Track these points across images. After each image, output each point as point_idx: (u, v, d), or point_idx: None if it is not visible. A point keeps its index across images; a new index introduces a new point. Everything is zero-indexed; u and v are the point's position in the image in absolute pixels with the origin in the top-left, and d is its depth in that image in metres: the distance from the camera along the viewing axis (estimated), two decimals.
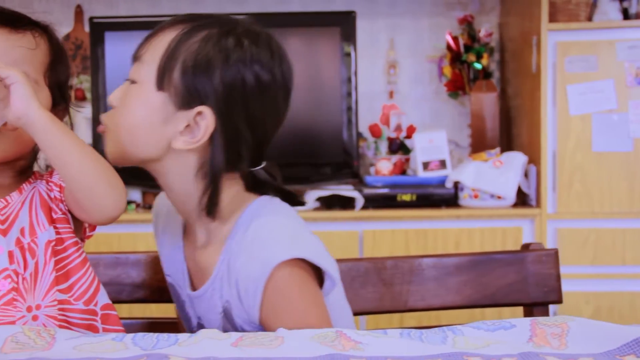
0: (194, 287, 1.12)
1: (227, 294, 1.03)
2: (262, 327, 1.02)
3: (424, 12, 3.05)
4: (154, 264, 1.43)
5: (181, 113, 1.02)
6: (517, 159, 2.57)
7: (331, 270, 1.02)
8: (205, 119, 1.01)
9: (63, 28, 3.02)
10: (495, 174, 2.56)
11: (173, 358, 0.80)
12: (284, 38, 2.76)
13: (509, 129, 2.94)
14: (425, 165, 2.68)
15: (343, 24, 2.71)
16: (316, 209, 2.62)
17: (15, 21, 1.07)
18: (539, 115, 2.51)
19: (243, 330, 1.02)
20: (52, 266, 1.05)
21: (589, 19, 2.53)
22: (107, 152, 1.07)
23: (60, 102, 1.12)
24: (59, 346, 0.88)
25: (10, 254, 1.03)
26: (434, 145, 2.69)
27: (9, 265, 1.02)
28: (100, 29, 2.73)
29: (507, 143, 2.90)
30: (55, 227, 1.07)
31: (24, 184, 1.09)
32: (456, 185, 2.62)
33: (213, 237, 1.08)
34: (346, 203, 2.62)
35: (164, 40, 1.03)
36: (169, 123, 1.02)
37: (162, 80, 1.02)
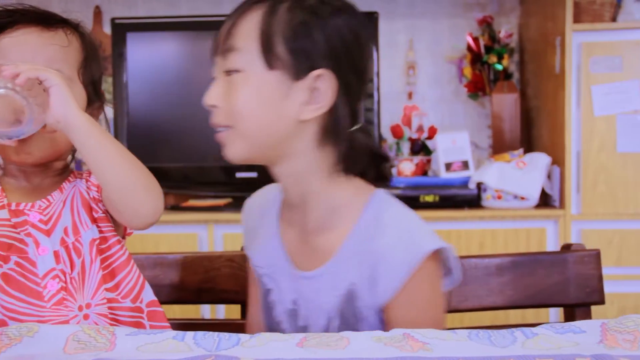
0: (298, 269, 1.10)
1: (353, 276, 1.02)
2: (383, 313, 1.01)
3: (442, 13, 3.05)
4: (193, 265, 1.42)
5: (298, 84, 1.00)
6: (541, 160, 2.56)
7: (458, 268, 1.06)
8: (326, 80, 1.00)
9: None
10: (519, 175, 2.55)
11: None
12: None
13: (529, 130, 2.93)
14: (448, 166, 2.67)
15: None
16: None
17: (47, 19, 1.07)
18: (563, 116, 2.50)
19: (361, 315, 1.02)
20: (99, 264, 1.05)
21: (613, 19, 2.53)
22: (232, 154, 1.04)
23: (94, 100, 1.11)
24: (121, 345, 0.87)
25: (56, 254, 1.03)
26: (457, 146, 2.69)
27: (56, 265, 1.02)
28: (122, 30, 2.73)
29: (527, 144, 2.90)
30: (97, 226, 1.07)
31: (64, 183, 1.09)
32: (479, 186, 2.61)
33: (336, 219, 1.06)
34: None
35: (251, 23, 1.01)
36: (289, 98, 1.00)
37: (269, 59, 0.99)
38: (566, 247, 1.39)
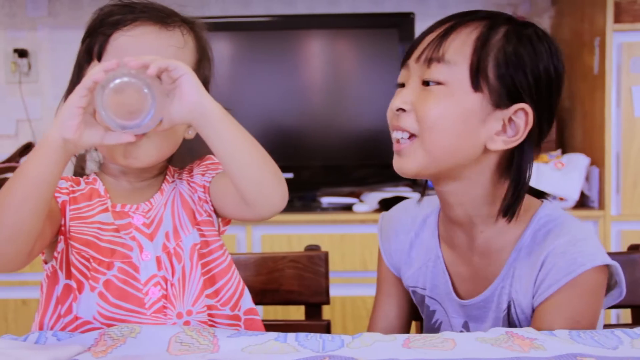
0: (460, 295, 1.09)
1: (514, 291, 1.01)
2: (531, 316, 1.00)
3: None
4: (257, 265, 1.42)
5: (498, 112, 0.99)
6: (580, 161, 2.55)
7: (624, 283, 1.02)
8: (527, 116, 0.98)
9: None
10: (558, 176, 2.54)
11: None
12: (338, 40, 2.77)
13: (562, 130, 2.92)
14: None
15: (401, 26, 2.70)
16: (375, 211, 2.61)
17: (166, 17, 1.01)
18: (602, 117, 2.49)
19: (522, 322, 1.01)
20: (200, 270, 1.02)
21: None
22: (408, 166, 1.01)
23: None
24: (225, 347, 0.87)
25: (158, 260, 1.00)
26: None
27: (158, 272, 0.99)
28: None
29: (560, 145, 2.88)
30: (199, 230, 1.03)
31: (163, 185, 1.06)
32: None
33: (502, 237, 1.04)
34: None
35: (465, 39, 0.99)
36: (485, 124, 0.99)
37: (477, 81, 0.98)
38: (634, 248, 1.39)
